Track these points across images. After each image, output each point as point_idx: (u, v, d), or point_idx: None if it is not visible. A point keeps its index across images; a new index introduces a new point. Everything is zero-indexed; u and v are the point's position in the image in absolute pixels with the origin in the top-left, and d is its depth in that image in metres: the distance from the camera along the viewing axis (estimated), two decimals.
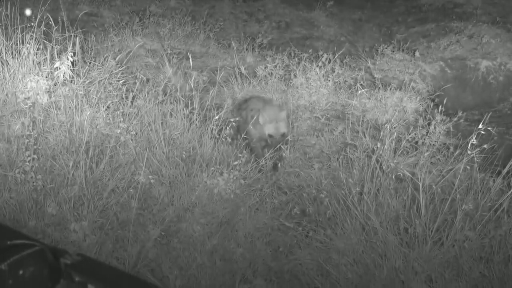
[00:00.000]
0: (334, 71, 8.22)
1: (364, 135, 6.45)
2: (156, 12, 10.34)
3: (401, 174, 5.03)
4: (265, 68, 8.13)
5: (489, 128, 4.91)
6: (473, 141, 4.72)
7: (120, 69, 7.10)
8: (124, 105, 5.93)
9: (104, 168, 5.24)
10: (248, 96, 6.71)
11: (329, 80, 8.07)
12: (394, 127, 6.57)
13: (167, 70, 7.77)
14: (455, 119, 6.34)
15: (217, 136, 5.65)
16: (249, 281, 4.40)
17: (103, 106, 5.90)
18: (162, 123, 5.68)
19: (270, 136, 5.59)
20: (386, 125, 5.51)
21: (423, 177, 4.72)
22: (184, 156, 5.35)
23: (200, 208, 5.00)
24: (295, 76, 8.14)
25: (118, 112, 5.78)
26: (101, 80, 6.54)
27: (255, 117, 5.64)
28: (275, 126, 5.58)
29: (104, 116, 5.78)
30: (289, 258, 4.72)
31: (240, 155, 5.24)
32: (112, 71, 6.94)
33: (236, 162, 5.21)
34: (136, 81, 6.28)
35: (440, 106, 6.22)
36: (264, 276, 4.50)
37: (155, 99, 6.01)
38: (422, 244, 4.46)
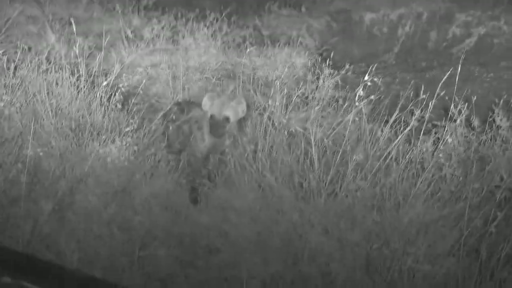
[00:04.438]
0: (222, 30, 8.21)
1: (256, 93, 6.47)
2: None
3: (293, 130, 5.09)
4: (152, 30, 7.98)
5: (375, 79, 5.02)
6: (361, 93, 4.82)
7: None
8: (6, 76, 5.67)
9: None
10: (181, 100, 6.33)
11: (217, 40, 8.05)
12: (285, 83, 6.63)
13: (50, 37, 7.49)
14: (343, 72, 6.47)
15: (107, 103, 5.51)
16: (149, 249, 4.36)
17: None
18: (48, 93, 5.49)
19: (211, 117, 4.83)
20: (276, 82, 5.54)
21: (314, 131, 4.80)
22: (73, 126, 5.20)
23: (94, 178, 4.88)
24: (183, 37, 8.05)
25: None
26: None
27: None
28: (219, 107, 4.83)
29: None
30: (188, 222, 4.71)
31: (132, 120, 5.15)
32: None
33: (128, 129, 5.12)
34: (17, 50, 6.01)
35: (328, 60, 6.33)
36: (164, 242, 4.48)
37: (39, 68, 5.78)
38: (317, 197, 4.56)
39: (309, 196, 4.60)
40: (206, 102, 4.95)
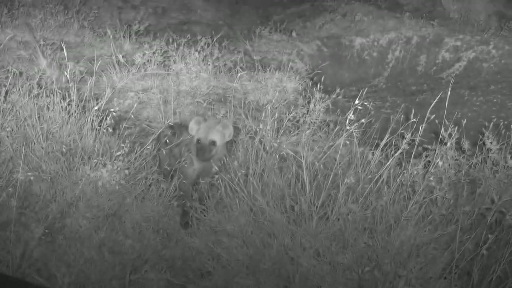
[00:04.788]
0: (213, 55, 8.26)
1: (247, 117, 6.50)
2: (26, 2, 9.93)
3: (285, 153, 5.10)
4: (143, 55, 8.01)
5: (365, 103, 5.05)
6: (351, 117, 4.84)
7: None
8: None
9: None
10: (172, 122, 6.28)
11: (208, 64, 8.10)
12: (276, 108, 6.67)
13: (41, 62, 7.52)
14: (334, 96, 6.52)
15: (98, 127, 5.50)
16: (140, 272, 4.35)
17: None
18: (39, 117, 5.47)
19: (198, 141, 4.95)
20: (267, 106, 5.57)
21: (305, 154, 4.81)
22: (64, 150, 5.18)
23: (85, 202, 4.88)
24: (174, 62, 8.10)
25: None
26: None
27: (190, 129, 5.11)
28: (205, 131, 4.95)
29: None
30: (179, 245, 4.71)
31: (123, 145, 5.14)
32: None
33: (119, 153, 5.11)
34: (9, 75, 6.01)
35: (319, 84, 6.35)
36: (155, 265, 4.47)
37: (30, 92, 5.77)
38: (308, 220, 4.56)
39: (300, 220, 4.60)
40: (192, 126, 5.05)
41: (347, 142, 5.12)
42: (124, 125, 5.69)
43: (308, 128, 5.68)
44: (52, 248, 4.41)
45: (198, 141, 4.94)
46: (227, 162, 5.11)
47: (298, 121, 6.20)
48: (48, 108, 5.66)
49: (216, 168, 4.99)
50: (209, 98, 7.50)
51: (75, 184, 4.97)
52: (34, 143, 5.31)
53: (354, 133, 5.02)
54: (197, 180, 5.20)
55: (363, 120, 5.08)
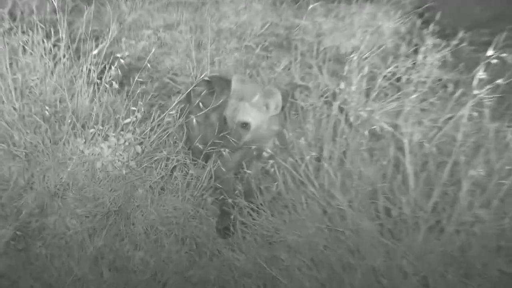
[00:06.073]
0: None
1: (321, 72, 6.43)
2: None
3: (378, 128, 5.03)
4: None
5: (504, 55, 4.94)
6: (481, 75, 4.74)
7: None
8: None
9: None
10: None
11: None
12: (365, 59, 6.57)
13: None
14: (455, 42, 6.37)
15: (98, 81, 5.50)
16: None
17: None
18: (11, 63, 5.50)
19: (224, 119, 4.89)
20: (352, 56, 5.49)
21: (409, 131, 4.73)
22: (47, 113, 5.20)
23: (76, 192, 4.89)
24: None
25: None
26: None
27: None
28: (234, 107, 4.83)
29: None
30: (215, 262, 4.68)
31: (134, 108, 5.13)
32: None
33: (128, 120, 5.10)
34: None
35: (432, 24, 6.24)
36: None
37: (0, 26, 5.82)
38: (413, 232, 4.48)
39: (400, 230, 4.53)
40: (236, 88, 4.94)
41: (474, 114, 4.99)
42: (136, 78, 5.67)
43: (415, 91, 5.57)
44: (26, 259, 4.43)
45: (225, 120, 4.84)
46: (288, 139, 5.05)
47: (399, 80, 6.10)
48: (24, 51, 5.68)
49: (269, 150, 4.93)
50: (264, 41, 7.45)
51: (62, 165, 4.98)
52: (3, 102, 5.33)
53: (485, 101, 4.91)
54: (240, 166, 5.14)
55: (499, 81, 4.95)
